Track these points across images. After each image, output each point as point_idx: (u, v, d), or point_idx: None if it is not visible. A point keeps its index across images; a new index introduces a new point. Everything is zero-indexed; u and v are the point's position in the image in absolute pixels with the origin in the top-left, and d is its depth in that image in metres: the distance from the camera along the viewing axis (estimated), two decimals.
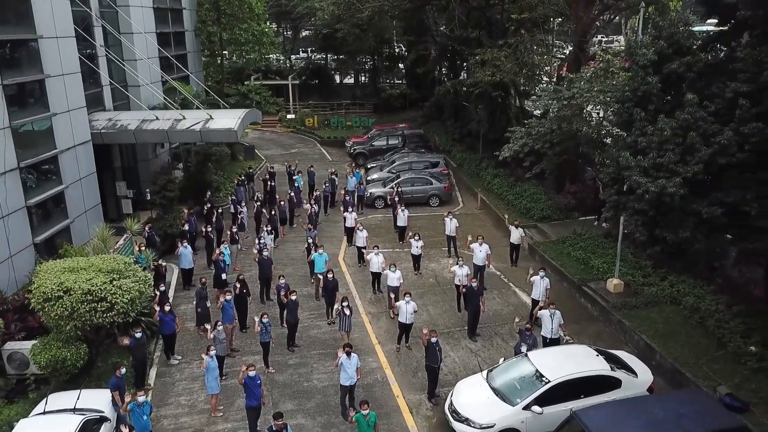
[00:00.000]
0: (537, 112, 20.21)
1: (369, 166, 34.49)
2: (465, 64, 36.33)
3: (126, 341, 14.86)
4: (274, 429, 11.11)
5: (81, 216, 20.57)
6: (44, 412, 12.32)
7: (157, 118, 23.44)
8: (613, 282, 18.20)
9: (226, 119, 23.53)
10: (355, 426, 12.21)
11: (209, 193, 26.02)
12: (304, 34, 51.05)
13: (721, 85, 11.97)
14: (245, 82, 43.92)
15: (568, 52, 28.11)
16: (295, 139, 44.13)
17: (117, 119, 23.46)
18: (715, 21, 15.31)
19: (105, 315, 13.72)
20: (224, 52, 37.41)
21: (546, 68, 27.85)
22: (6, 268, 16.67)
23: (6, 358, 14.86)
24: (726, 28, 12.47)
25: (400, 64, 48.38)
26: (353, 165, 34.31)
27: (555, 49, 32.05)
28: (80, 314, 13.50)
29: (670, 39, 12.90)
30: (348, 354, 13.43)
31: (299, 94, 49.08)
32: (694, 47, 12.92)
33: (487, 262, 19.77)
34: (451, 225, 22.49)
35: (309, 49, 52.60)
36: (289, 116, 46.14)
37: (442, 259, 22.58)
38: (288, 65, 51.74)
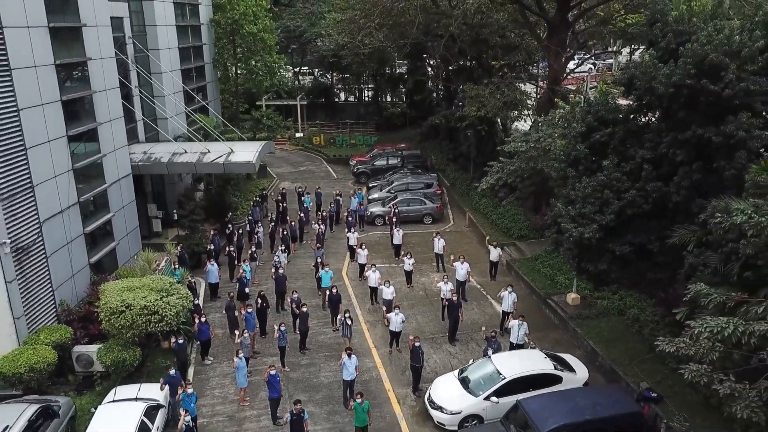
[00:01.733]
0: (507, 149, 23.62)
1: (371, 185, 38.14)
2: (459, 89, 39.80)
3: (171, 344, 18.50)
4: (294, 412, 14.75)
5: (124, 238, 24.26)
6: (114, 401, 15.99)
7: (185, 152, 27.16)
8: (571, 296, 21.78)
9: (246, 152, 27.23)
10: (353, 413, 15.83)
11: (230, 214, 29.75)
12: (309, 58, 54.68)
13: (635, 150, 15.49)
14: (257, 103, 47.68)
15: (540, 95, 31.62)
16: (303, 156, 47.85)
17: (151, 152, 27.19)
18: None
19: (157, 325, 17.45)
20: (238, 80, 41.01)
21: (529, 103, 31.39)
22: (70, 285, 20.36)
23: (75, 359, 18.56)
24: (637, 105, 15.99)
25: (401, 87, 51.89)
26: (356, 187, 37.57)
27: (535, 89, 35.46)
28: (138, 325, 17.23)
29: (596, 114, 16.42)
30: (349, 355, 17.07)
31: (306, 113, 52.84)
32: (619, 118, 16.42)
33: (467, 278, 23.39)
34: (438, 244, 26.14)
35: (315, 70, 56.18)
36: (297, 135, 49.89)
37: (431, 274, 26.16)
38: (296, 84, 55.42)
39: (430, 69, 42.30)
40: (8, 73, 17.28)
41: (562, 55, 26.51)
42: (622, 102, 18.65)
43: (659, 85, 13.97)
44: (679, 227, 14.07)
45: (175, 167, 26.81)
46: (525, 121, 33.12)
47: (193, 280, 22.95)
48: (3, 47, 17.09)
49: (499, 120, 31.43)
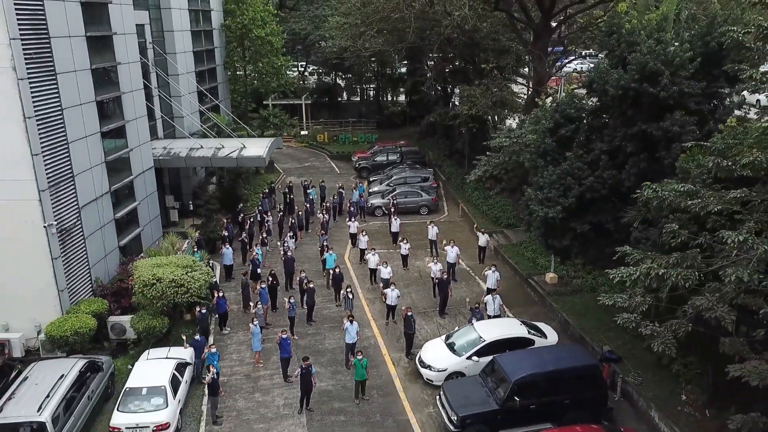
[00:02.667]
0: (493, 144, 26.10)
1: (371, 179, 40.72)
2: (453, 90, 42.36)
3: (195, 313, 21.10)
4: (303, 367, 17.34)
5: (147, 225, 26.88)
6: (148, 359, 18.61)
7: (201, 147, 29.79)
8: (549, 275, 24.32)
9: (256, 147, 29.86)
10: (353, 371, 18.41)
11: (241, 205, 32.37)
12: (313, 59, 57.34)
13: (595, 143, 17.99)
14: (265, 102, 50.30)
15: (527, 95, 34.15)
16: (308, 153, 50.45)
17: (170, 147, 29.81)
18: None
19: (183, 296, 20.08)
20: (247, 80, 43.63)
21: (518, 101, 33.93)
22: (103, 264, 22.98)
23: (110, 328, 21.19)
24: (596, 105, 18.53)
25: (400, 88, 54.45)
26: (358, 181, 40.05)
27: (525, 89, 37.87)
28: (167, 296, 19.87)
29: (562, 113, 18.93)
30: (351, 321, 19.67)
31: (311, 111, 55.46)
32: (582, 115, 18.92)
33: (457, 260, 25.96)
34: (432, 231, 28.72)
35: (320, 69, 58.71)
36: (303, 132, 52.51)
37: (426, 258, 28.72)
38: (302, 83, 58.04)
39: (427, 70, 44.80)
40: (54, 77, 19.89)
41: (546, 59, 28.99)
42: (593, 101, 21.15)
43: (611, 88, 16.50)
44: (629, 208, 16.60)
45: (193, 161, 29.44)
46: (515, 119, 35.66)
47: (210, 263, 25.55)
48: (50, 55, 19.70)
49: (489, 118, 33.88)
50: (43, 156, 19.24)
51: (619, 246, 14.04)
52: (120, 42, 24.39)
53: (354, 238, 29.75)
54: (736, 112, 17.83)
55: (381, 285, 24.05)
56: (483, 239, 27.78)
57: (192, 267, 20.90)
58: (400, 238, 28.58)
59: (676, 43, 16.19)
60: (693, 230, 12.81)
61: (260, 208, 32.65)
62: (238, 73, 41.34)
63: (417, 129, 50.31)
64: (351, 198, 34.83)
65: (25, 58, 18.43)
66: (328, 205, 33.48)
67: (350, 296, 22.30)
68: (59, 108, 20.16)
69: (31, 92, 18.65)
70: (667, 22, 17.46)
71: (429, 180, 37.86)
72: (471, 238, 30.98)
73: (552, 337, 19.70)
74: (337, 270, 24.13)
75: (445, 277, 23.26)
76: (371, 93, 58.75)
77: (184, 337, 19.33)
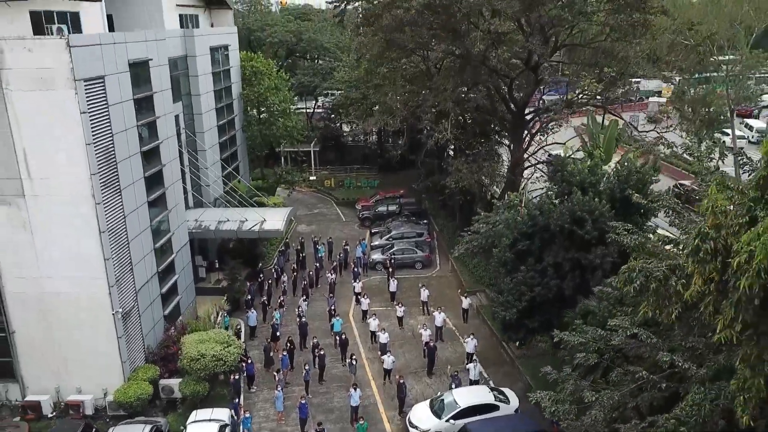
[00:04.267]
0: (473, 229, 30.92)
1: (373, 231, 45.87)
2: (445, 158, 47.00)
3: (231, 380, 26.32)
4: (317, 431, 22.53)
5: (184, 291, 32.09)
6: (196, 421, 23.80)
7: (228, 220, 35.00)
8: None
9: (275, 220, 35.09)
10: (356, 429, 23.58)
11: (260, 264, 37.59)
12: (320, 105, 62.63)
13: (545, 257, 23.05)
14: (277, 150, 55.54)
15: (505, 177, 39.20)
16: (316, 198, 55.65)
17: (201, 220, 35.02)
18: None
19: (222, 368, 25.31)
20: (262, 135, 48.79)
21: (501, 174, 38.95)
22: (153, 333, 28.18)
23: (161, 389, 26.41)
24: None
25: (399, 139, 59.50)
26: (360, 238, 44.44)
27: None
28: (209, 368, 25.08)
29: (520, 230, 23.95)
30: (355, 388, 24.85)
31: (319, 155, 60.64)
32: (535, 232, 23.93)
33: (444, 323, 31.10)
34: (424, 294, 33.89)
35: (326, 114, 63.79)
36: (311, 178, 57.73)
37: (418, 317, 33.86)
38: (309, 128, 63.20)
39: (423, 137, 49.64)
40: (120, 195, 25.07)
41: (521, 145, 33.98)
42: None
43: (552, 223, 21.58)
44: (568, 311, 21.64)
45: (221, 233, 34.70)
46: (498, 187, 40.74)
47: (239, 327, 30.78)
48: (117, 177, 24.87)
49: (475, 191, 38.83)
50: (112, 260, 24.45)
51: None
52: (161, 125, 28.98)
53: (358, 297, 34.89)
54: (660, 231, 22.89)
55: (379, 351, 29.17)
56: (466, 302, 32.90)
57: (228, 342, 26.14)
58: (396, 301, 33.69)
59: (596, 199, 21.28)
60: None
61: (276, 267, 37.88)
62: (254, 131, 46.54)
63: (416, 171, 55.05)
64: (355, 254, 39.99)
65: (101, 186, 23.63)
66: (335, 264, 38.65)
67: (354, 362, 27.48)
68: (123, 218, 25.36)
69: (105, 212, 23.84)
70: (597, 168, 22.49)
71: (423, 235, 42.95)
72: (459, 295, 36.10)
73: (514, 402, 24.80)
74: (343, 336, 29.33)
75: (432, 344, 28.40)
76: (374, 138, 63.78)
77: (229, 408, 24.50)
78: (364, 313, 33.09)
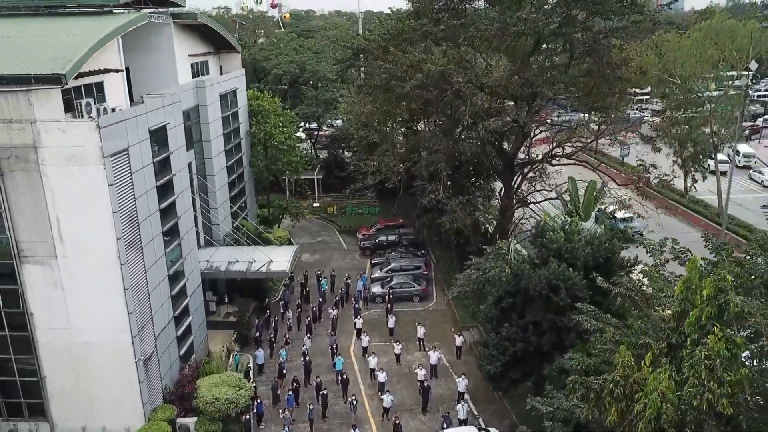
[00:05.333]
0: (463, 275, 33.27)
1: (373, 262, 48.33)
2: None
3: (242, 419, 28.80)
4: None
5: (197, 330, 34.56)
6: None
7: (237, 261, 37.48)
8: None
9: (281, 260, 37.55)
10: None
11: (267, 300, 40.07)
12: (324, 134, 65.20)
13: (527, 314, 25.47)
14: (282, 177, 57.98)
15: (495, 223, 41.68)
16: (319, 226, 58.15)
17: (212, 261, 37.51)
18: None
19: (234, 409, 27.78)
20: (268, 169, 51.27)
21: (493, 216, 41.37)
22: (170, 373, 30.66)
23: (177, 427, 28.89)
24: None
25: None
26: (361, 272, 46.59)
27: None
28: (223, 410, 27.56)
29: (504, 288, 26.33)
30: (354, 429, 27.28)
31: (322, 181, 63.12)
32: (519, 290, 26.31)
33: (438, 361, 33.53)
34: (420, 330, 36.34)
35: (329, 142, 66.29)
36: (315, 205, 60.23)
37: (415, 352, 36.30)
38: (313, 155, 65.73)
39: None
40: (141, 251, 27.55)
41: (511, 192, 36.39)
42: None
43: (531, 289, 24.02)
44: (547, 365, 24.04)
45: (231, 274, 37.23)
46: (491, 226, 43.18)
47: (248, 365, 33.28)
48: (139, 236, 27.34)
49: (470, 234, 41.22)
50: (135, 313, 26.93)
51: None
52: (177, 180, 31.52)
53: (359, 332, 37.36)
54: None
55: (378, 391, 31.62)
56: (459, 340, 35.33)
57: (239, 386, 28.62)
58: (394, 339, 36.13)
59: (570, 269, 23.71)
60: None
61: (282, 301, 40.40)
62: (260, 167, 49.07)
63: (414, 199, 57.43)
64: (356, 287, 42.45)
65: (125, 247, 26.10)
66: (337, 299, 41.12)
67: (354, 402, 29.94)
68: (144, 273, 27.84)
69: (129, 271, 26.33)
70: (574, 235, 24.93)
71: (421, 268, 45.38)
72: (452, 333, 38.54)
73: None
74: (344, 376, 31.80)
75: (427, 384, 30.86)
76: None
77: None
78: (365, 349, 35.55)
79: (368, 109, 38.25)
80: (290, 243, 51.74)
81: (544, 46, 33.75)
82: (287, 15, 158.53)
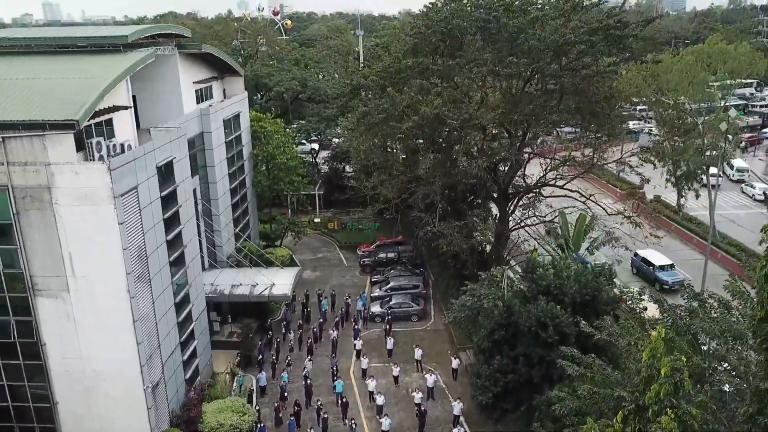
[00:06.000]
0: (459, 302, 34.44)
1: (373, 279, 49.53)
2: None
3: None
4: None
5: (202, 353, 35.79)
6: None
7: (240, 284, 38.70)
8: None
9: (283, 284, 38.77)
10: None
11: (270, 321, 41.29)
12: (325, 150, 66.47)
13: (518, 345, 26.66)
14: (284, 194, 59.25)
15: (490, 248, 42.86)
16: (321, 242, 59.34)
17: (216, 284, 38.74)
18: None
19: None
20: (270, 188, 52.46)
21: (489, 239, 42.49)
22: (176, 397, 31.90)
23: None
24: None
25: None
26: (361, 292, 47.81)
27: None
28: None
29: (497, 321, 27.49)
30: None
31: (323, 197, 64.36)
32: (511, 322, 27.49)
33: (434, 384, 34.74)
34: (417, 353, 37.52)
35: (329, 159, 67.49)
36: (316, 220, 61.46)
37: (413, 373, 37.50)
38: (315, 172, 66.93)
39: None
40: (149, 285, 28.78)
41: (506, 217, 37.58)
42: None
43: (521, 324, 25.20)
44: (537, 396, 25.24)
45: (234, 297, 38.46)
46: (487, 248, 44.36)
47: (251, 388, 34.52)
48: (147, 269, 28.57)
49: (466, 257, 42.38)
50: (144, 343, 28.16)
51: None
52: (183, 210, 32.75)
53: (359, 353, 38.56)
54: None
55: (377, 415, 32.84)
56: (455, 363, 36.53)
57: (243, 411, 29.87)
58: (393, 362, 37.34)
59: (558, 307, 24.90)
60: None
61: (284, 321, 41.63)
62: (263, 187, 50.33)
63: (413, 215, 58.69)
64: (356, 307, 43.67)
65: (134, 281, 27.31)
66: (337, 319, 42.33)
67: (353, 426, 31.16)
68: (152, 303, 29.07)
69: (137, 304, 27.54)
70: (562, 271, 26.18)
71: (419, 287, 46.56)
72: (450, 348, 39.70)
73: None
74: (344, 399, 33.01)
75: (423, 408, 32.07)
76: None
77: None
78: (364, 371, 36.75)
79: (366, 147, 39.50)
80: (292, 260, 53.08)
81: (534, 85, 34.99)
82: (289, 22, 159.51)
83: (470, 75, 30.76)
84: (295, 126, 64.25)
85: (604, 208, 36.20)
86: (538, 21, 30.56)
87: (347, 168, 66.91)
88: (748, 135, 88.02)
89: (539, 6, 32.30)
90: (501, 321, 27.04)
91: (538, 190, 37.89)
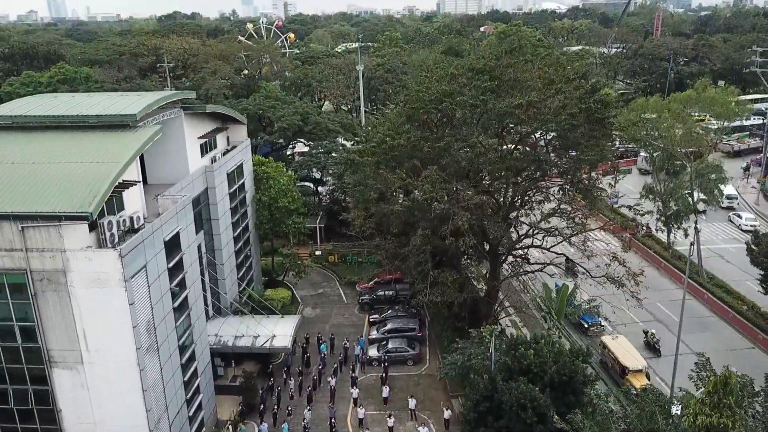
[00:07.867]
0: (449, 361, 36.28)
1: (371, 319, 51.45)
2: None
3: None
4: None
5: (206, 404, 37.77)
6: None
7: (243, 335, 40.67)
8: None
9: (283, 335, 40.72)
10: None
11: (271, 366, 43.25)
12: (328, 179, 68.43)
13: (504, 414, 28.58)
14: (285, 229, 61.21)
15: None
16: (322, 276, 61.24)
17: (220, 335, 40.73)
18: None
19: None
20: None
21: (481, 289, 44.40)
22: None
23: None
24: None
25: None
26: (359, 336, 49.54)
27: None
28: None
29: (482, 393, 29.34)
30: None
31: (324, 229, 66.27)
32: (495, 396, 29.33)
33: None
34: (411, 402, 39.44)
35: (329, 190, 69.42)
36: (317, 252, 63.39)
37: (407, 422, 39.42)
38: (317, 202, 68.84)
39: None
40: (156, 350, 30.72)
41: (498, 276, 39.39)
42: None
43: (504, 403, 27.20)
44: None
45: (237, 349, 40.47)
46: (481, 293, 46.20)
47: None
48: (155, 334, 30.53)
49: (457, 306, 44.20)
50: (153, 409, 30.15)
51: None
52: (185, 259, 34.63)
53: (356, 401, 40.51)
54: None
55: None
56: (447, 413, 38.43)
57: None
58: (387, 413, 39.27)
59: (537, 389, 26.81)
60: None
61: (285, 367, 43.58)
62: (266, 230, 52.27)
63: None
64: (354, 351, 45.60)
65: (144, 353, 29.27)
66: (335, 365, 44.28)
67: None
68: (160, 370, 31.04)
69: (147, 374, 29.52)
70: (543, 350, 28.04)
71: (415, 330, 48.43)
72: (443, 397, 41.59)
73: None
74: None
75: None
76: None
77: None
78: (361, 421, 38.70)
79: (360, 222, 41.52)
80: (293, 298, 54.99)
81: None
82: (292, 35, 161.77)
83: (457, 169, 32.82)
84: (297, 161, 66.26)
85: (588, 272, 37.83)
86: (522, 107, 32.34)
87: (347, 199, 68.90)
88: (751, 158, 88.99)
89: (528, 84, 34.05)
90: (486, 393, 28.91)
91: (524, 253, 39.74)
